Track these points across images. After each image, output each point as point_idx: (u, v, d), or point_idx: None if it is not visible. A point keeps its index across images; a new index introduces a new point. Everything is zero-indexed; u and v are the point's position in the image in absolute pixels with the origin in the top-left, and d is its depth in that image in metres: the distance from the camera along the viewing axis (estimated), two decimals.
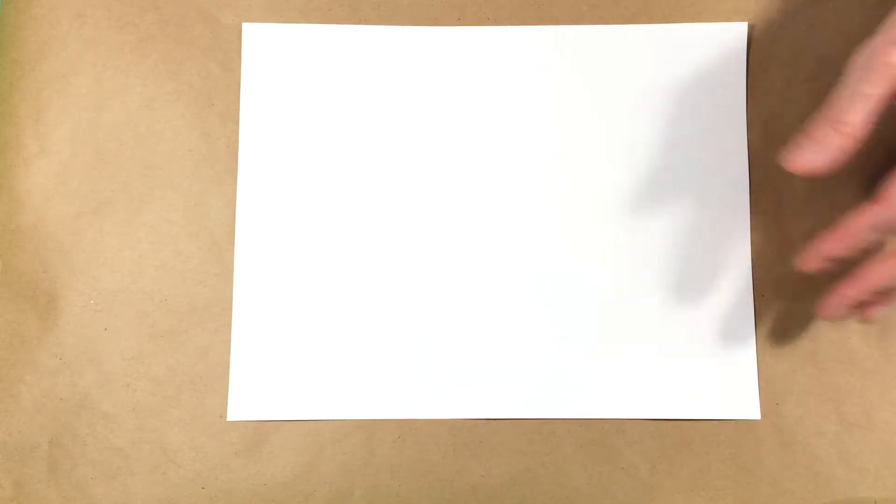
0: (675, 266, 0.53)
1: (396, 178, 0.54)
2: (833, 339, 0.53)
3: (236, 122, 0.54)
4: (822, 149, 0.45)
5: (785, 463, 0.52)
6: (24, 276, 0.53)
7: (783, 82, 0.54)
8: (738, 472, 0.52)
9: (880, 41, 0.46)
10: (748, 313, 0.53)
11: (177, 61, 0.55)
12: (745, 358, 0.52)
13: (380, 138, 0.54)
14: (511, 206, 0.54)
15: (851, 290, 0.47)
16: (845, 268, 0.48)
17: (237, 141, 0.54)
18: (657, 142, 0.54)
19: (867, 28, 0.54)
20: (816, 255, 0.48)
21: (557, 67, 0.54)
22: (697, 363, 0.52)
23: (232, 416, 0.52)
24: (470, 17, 0.55)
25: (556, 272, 0.53)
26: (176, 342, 0.53)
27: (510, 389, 0.52)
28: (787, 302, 0.53)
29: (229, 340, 0.53)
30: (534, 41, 0.55)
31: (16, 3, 0.55)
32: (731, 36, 0.54)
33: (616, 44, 0.54)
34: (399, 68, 0.54)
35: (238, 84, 0.54)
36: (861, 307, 0.49)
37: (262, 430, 0.52)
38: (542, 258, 0.53)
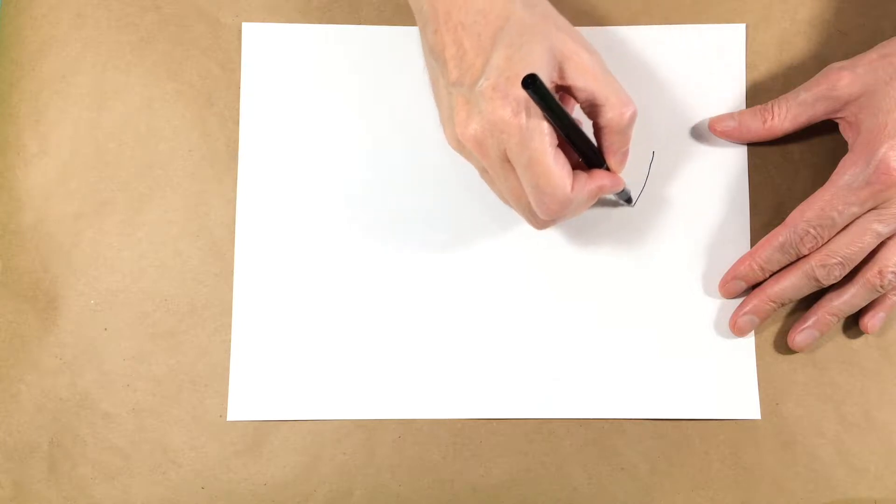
0: (675, 266, 0.53)
1: (396, 177, 0.54)
2: (833, 339, 0.53)
3: (236, 122, 0.54)
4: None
5: (785, 463, 0.52)
6: (24, 276, 0.53)
7: (783, 82, 0.54)
8: (738, 472, 0.52)
9: None
10: None
11: (177, 61, 0.55)
12: (745, 358, 0.52)
13: (379, 138, 0.54)
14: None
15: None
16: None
17: (237, 141, 0.54)
18: (658, 142, 0.54)
19: (866, 28, 0.54)
20: (734, 277, 0.52)
21: None
22: (697, 363, 0.52)
23: (232, 416, 0.52)
24: None
25: (556, 273, 0.53)
26: (176, 342, 0.53)
27: (510, 389, 0.52)
28: None
29: (229, 340, 0.53)
30: None
31: (16, 3, 0.55)
32: (730, 37, 0.54)
33: (616, 44, 0.54)
34: (399, 68, 0.54)
35: (238, 84, 0.54)
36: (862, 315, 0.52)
37: (262, 430, 0.52)
38: (542, 259, 0.53)
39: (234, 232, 0.53)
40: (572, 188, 0.46)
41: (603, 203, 0.53)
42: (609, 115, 0.46)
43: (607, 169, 0.49)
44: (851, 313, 0.51)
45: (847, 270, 0.49)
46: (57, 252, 0.53)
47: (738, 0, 0.55)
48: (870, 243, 0.49)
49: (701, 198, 0.54)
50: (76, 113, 0.54)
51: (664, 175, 0.54)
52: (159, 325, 0.53)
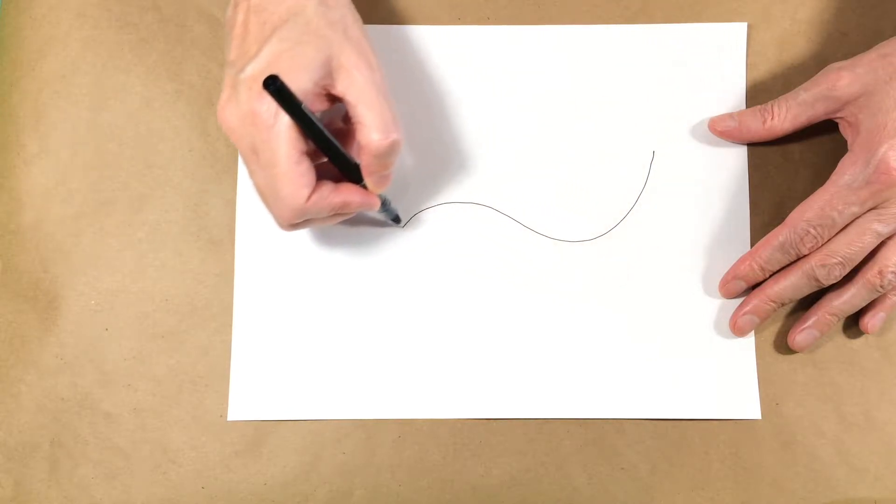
0: (675, 266, 0.53)
1: (396, 176, 0.54)
2: (833, 339, 0.53)
3: None
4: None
5: (785, 463, 0.52)
6: (24, 276, 0.53)
7: (783, 82, 0.54)
8: (738, 472, 0.52)
9: None
10: None
11: (177, 61, 0.55)
12: (745, 358, 0.52)
13: None
14: (510, 206, 0.54)
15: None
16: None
17: None
18: (658, 142, 0.54)
19: (866, 28, 0.54)
20: (734, 277, 0.52)
21: (557, 67, 0.54)
22: (697, 363, 0.52)
23: (232, 416, 0.52)
24: (470, 17, 0.55)
25: (555, 274, 0.53)
26: (176, 342, 0.53)
27: (510, 389, 0.52)
28: None
29: (229, 340, 0.53)
30: (534, 41, 0.55)
31: (16, 3, 0.55)
32: (731, 36, 0.54)
33: (616, 44, 0.54)
34: (398, 67, 0.54)
35: None
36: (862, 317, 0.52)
37: (262, 430, 0.52)
38: (542, 259, 0.53)
39: (234, 232, 0.53)
40: (308, 198, 0.44)
41: (371, 223, 0.53)
42: (369, 137, 0.45)
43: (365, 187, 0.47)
44: (851, 313, 0.51)
45: (847, 270, 0.49)
46: (57, 252, 0.53)
47: (738, 0, 0.55)
48: (870, 243, 0.49)
49: (701, 198, 0.54)
50: (76, 113, 0.54)
51: (664, 175, 0.54)
52: (159, 325, 0.53)
